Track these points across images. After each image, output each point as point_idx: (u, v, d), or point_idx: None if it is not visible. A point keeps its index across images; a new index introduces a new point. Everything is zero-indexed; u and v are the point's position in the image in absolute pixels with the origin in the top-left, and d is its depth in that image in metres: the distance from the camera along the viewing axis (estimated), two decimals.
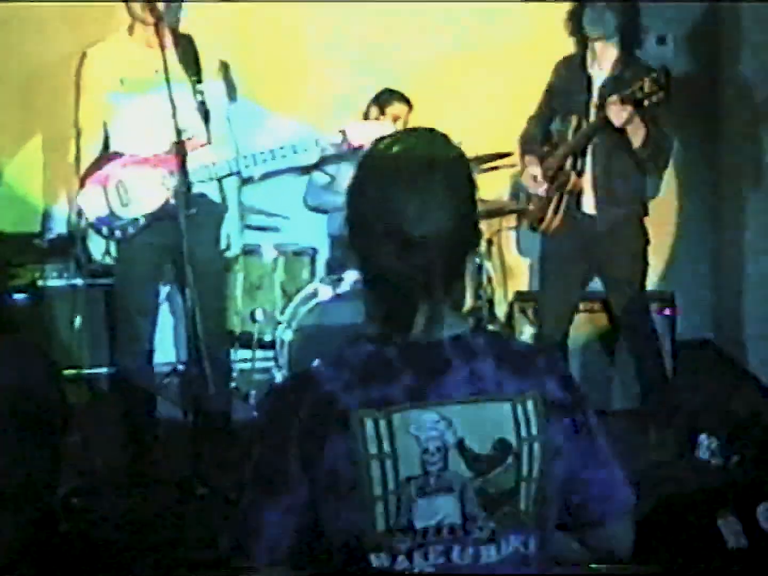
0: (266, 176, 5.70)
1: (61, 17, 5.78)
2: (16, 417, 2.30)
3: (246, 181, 5.15)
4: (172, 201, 4.50)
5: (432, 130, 1.91)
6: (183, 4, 5.29)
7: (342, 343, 1.88)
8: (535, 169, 4.91)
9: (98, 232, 4.63)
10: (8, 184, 5.93)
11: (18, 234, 5.82)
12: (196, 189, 4.51)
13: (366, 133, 4.66)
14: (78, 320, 5.54)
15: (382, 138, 1.90)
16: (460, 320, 1.88)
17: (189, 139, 4.49)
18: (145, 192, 4.57)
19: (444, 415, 1.79)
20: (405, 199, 1.79)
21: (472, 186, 1.88)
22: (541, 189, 4.88)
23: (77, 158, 4.70)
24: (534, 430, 1.82)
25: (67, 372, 5.33)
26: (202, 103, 4.60)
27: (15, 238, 5.78)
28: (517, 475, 1.82)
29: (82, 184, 4.63)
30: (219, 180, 4.70)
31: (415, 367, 1.81)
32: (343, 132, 4.69)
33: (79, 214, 4.65)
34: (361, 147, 4.79)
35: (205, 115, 4.61)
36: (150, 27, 4.47)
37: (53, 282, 5.61)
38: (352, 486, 1.77)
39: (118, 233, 4.60)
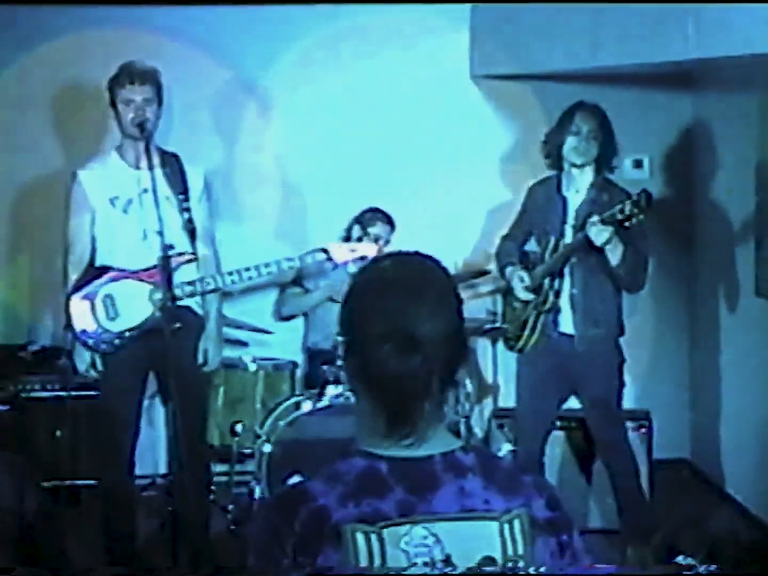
0: (246, 291, 5.80)
1: (54, 134, 5.91)
2: None
3: (226, 294, 5.23)
4: (158, 314, 4.58)
5: (419, 252, 1.99)
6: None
7: (335, 457, 1.91)
8: (522, 274, 5.00)
9: (84, 344, 4.69)
10: None
11: (2, 345, 5.87)
12: (181, 303, 4.59)
13: (349, 252, 4.80)
14: (59, 432, 5.56)
15: (379, 258, 2.01)
16: (450, 436, 1.92)
17: (176, 255, 4.60)
18: (132, 306, 4.65)
19: (432, 531, 1.82)
20: (405, 303, 1.85)
21: (459, 301, 1.95)
22: (530, 294, 4.96)
23: (65, 273, 4.79)
24: (520, 550, 1.85)
25: (47, 483, 5.34)
26: (189, 221, 4.71)
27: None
28: None
29: (69, 298, 4.70)
30: (202, 295, 4.78)
31: (406, 483, 1.84)
32: (324, 250, 4.81)
33: (66, 326, 4.70)
34: (345, 263, 4.92)
35: (191, 232, 4.71)
36: (139, 145, 4.60)
37: (36, 394, 5.63)
38: None
39: (104, 346, 4.66)
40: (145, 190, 4.60)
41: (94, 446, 5.22)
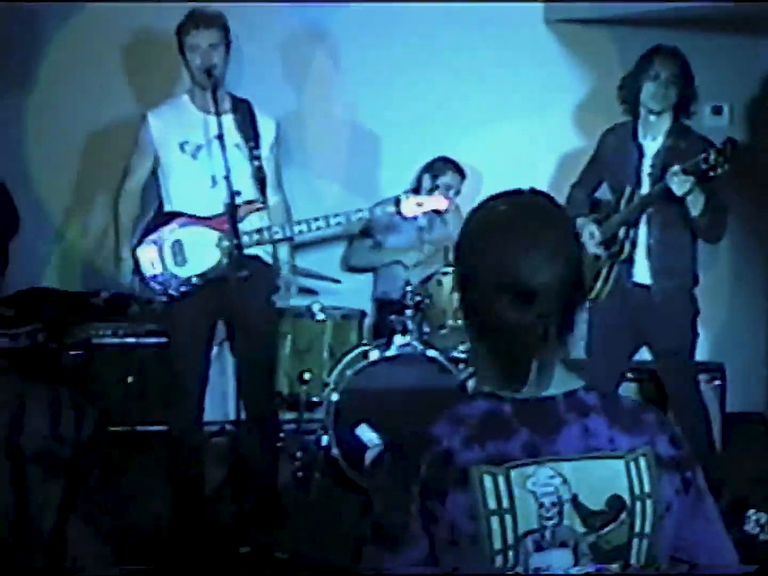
0: (316, 241, 5.78)
1: (125, 81, 5.93)
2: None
3: (297, 245, 5.22)
4: (225, 262, 4.58)
5: (537, 190, 1.95)
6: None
7: (457, 400, 1.92)
8: (593, 228, 4.92)
9: (152, 290, 4.71)
10: (69, 244, 6.05)
11: (75, 293, 5.93)
12: (249, 251, 4.58)
13: (417, 207, 4.75)
14: (130, 378, 5.62)
15: (490, 198, 1.95)
16: (571, 376, 1.91)
17: (245, 202, 4.59)
18: (200, 252, 4.65)
19: (559, 471, 1.83)
20: (520, 251, 1.83)
21: (577, 241, 1.93)
22: (600, 249, 4.89)
23: (115, 206, 4.81)
24: (647, 488, 1.86)
25: (118, 428, 5.41)
26: (259, 168, 4.68)
27: (72, 297, 5.90)
28: (629, 531, 1.85)
29: (138, 243, 4.72)
30: (270, 243, 4.77)
31: (530, 424, 1.85)
32: (397, 201, 4.77)
33: (135, 271, 4.72)
34: (415, 218, 4.89)
35: (261, 181, 4.69)
36: (208, 91, 4.58)
37: (108, 340, 5.69)
38: (473, 540, 1.81)
39: (172, 291, 4.67)
40: (215, 136, 4.58)
41: (163, 393, 5.25)
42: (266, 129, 4.81)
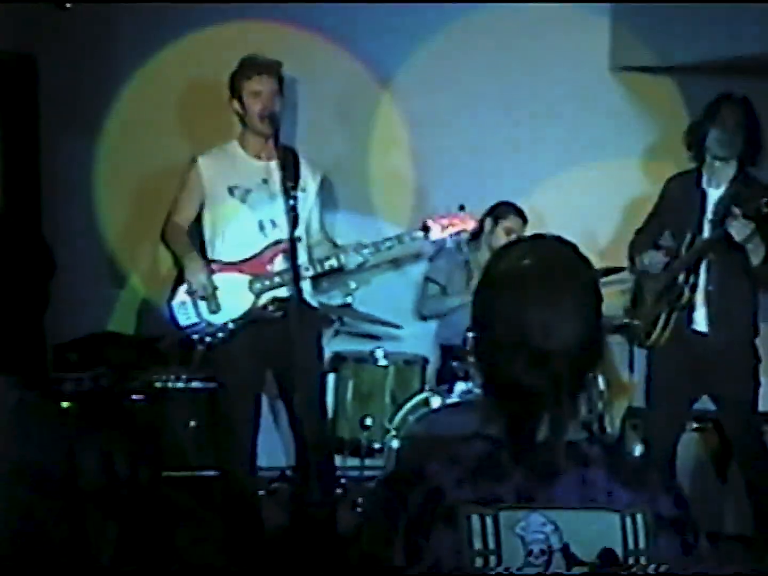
0: (379, 286, 5.79)
1: (177, 124, 6.00)
2: None
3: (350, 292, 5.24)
4: (259, 305, 4.59)
5: (559, 238, 1.91)
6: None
7: (456, 439, 1.90)
8: (655, 253, 4.91)
9: (190, 338, 4.74)
10: (132, 289, 6.11)
11: (139, 337, 5.98)
12: (287, 293, 4.60)
13: (446, 228, 4.73)
14: (193, 422, 5.64)
15: (509, 246, 1.92)
16: (576, 427, 1.88)
17: (275, 242, 4.62)
18: (233, 297, 4.68)
19: (551, 519, 1.79)
20: (536, 311, 1.79)
21: (599, 297, 1.88)
22: (662, 270, 4.84)
23: (164, 239, 4.89)
24: (641, 544, 1.80)
25: (181, 473, 5.44)
26: (293, 209, 4.64)
27: (136, 341, 5.95)
28: None
29: (172, 294, 4.76)
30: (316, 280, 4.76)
31: (526, 469, 1.81)
32: (424, 226, 4.76)
33: (171, 320, 4.75)
34: (443, 240, 4.85)
35: (294, 222, 4.65)
36: (262, 138, 4.63)
37: (170, 384, 5.72)
38: None
39: (209, 339, 4.69)
40: (265, 181, 4.62)
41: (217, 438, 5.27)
42: (311, 179, 4.85)
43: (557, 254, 1.88)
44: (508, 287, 1.84)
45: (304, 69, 5.72)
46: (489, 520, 1.77)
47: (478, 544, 1.77)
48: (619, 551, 1.79)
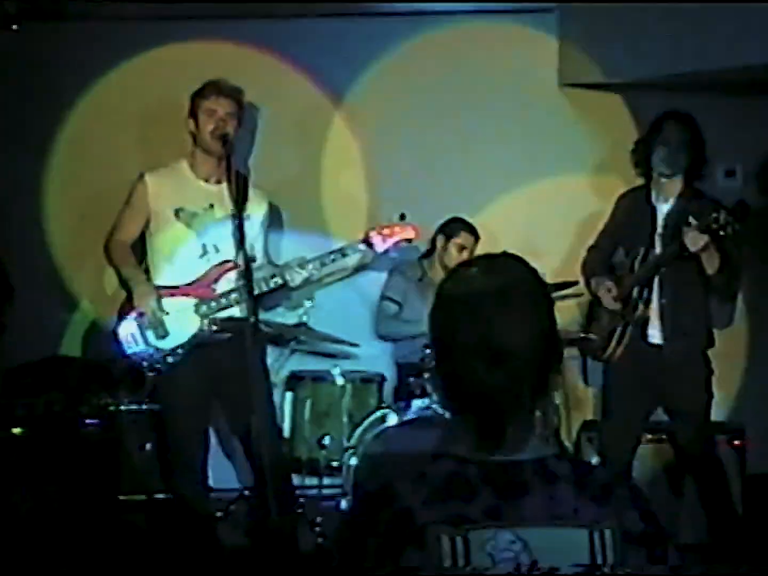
0: (336, 305, 5.79)
1: (130, 144, 5.97)
2: None
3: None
4: (206, 328, 4.58)
5: (508, 253, 1.96)
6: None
7: (424, 459, 1.91)
8: (611, 285, 4.93)
9: (139, 365, 4.71)
10: (84, 312, 6.06)
11: (91, 361, 5.93)
12: (233, 313, 4.60)
13: (388, 237, 4.74)
14: (149, 446, 5.59)
15: (464, 263, 1.97)
16: (542, 443, 1.90)
17: (222, 262, 4.61)
18: (179, 322, 4.66)
19: (520, 536, 1.80)
20: (492, 315, 1.83)
21: (550, 302, 1.93)
22: (617, 305, 4.89)
23: (107, 254, 4.85)
24: (609, 559, 1.81)
25: (136, 496, 5.40)
26: (239, 228, 4.62)
27: (88, 365, 5.89)
28: None
29: (119, 318, 4.73)
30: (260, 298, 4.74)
31: (494, 487, 1.82)
32: (366, 240, 4.76)
33: (117, 348, 4.72)
34: (386, 252, 4.85)
35: (240, 243, 4.64)
36: (213, 161, 4.62)
37: (124, 407, 5.66)
38: None
39: (158, 365, 4.67)
40: (212, 206, 4.62)
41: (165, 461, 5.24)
42: (257, 206, 4.84)
43: (509, 266, 1.93)
44: (463, 304, 1.87)
45: (258, 89, 5.72)
46: (459, 540, 1.78)
47: (448, 565, 1.78)
48: (586, 567, 1.80)
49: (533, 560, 1.79)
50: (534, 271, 1.93)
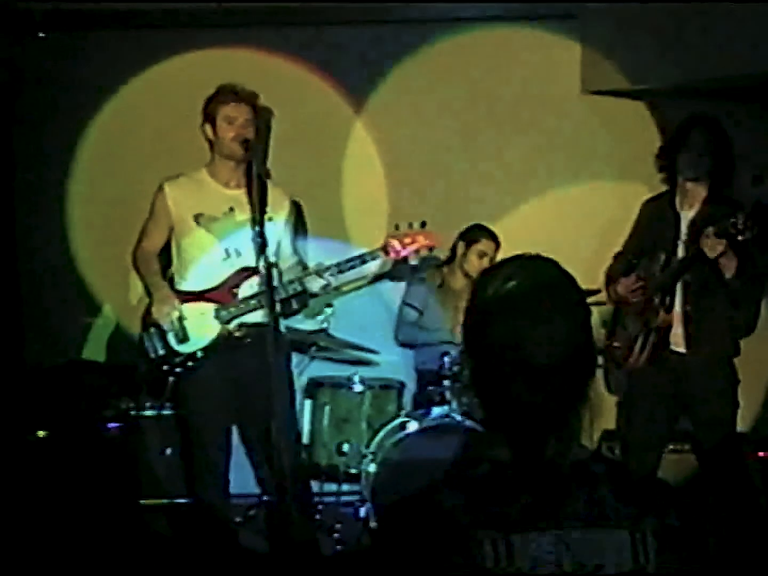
0: (358, 311, 5.78)
1: (152, 151, 5.99)
2: None
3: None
4: (226, 333, 4.59)
5: (540, 256, 1.93)
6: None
7: (461, 462, 1.90)
8: (633, 280, 4.90)
9: (159, 369, 4.72)
10: (107, 317, 6.08)
11: (114, 365, 5.95)
12: (253, 319, 4.58)
13: (407, 245, 4.71)
14: (169, 450, 5.60)
15: (492, 270, 1.93)
16: (581, 446, 1.90)
17: (242, 269, 4.60)
18: (200, 326, 4.66)
19: (562, 538, 1.79)
20: (529, 329, 1.81)
21: (588, 311, 1.90)
22: (638, 297, 4.86)
23: (134, 264, 4.84)
24: (652, 559, 1.82)
25: (157, 501, 5.41)
26: (260, 235, 4.61)
27: (111, 370, 5.92)
28: None
29: (143, 323, 4.73)
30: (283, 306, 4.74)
31: (535, 490, 1.82)
32: (385, 246, 4.73)
33: (143, 352, 4.73)
34: (404, 259, 4.81)
35: (262, 249, 4.63)
36: (232, 165, 4.62)
37: (145, 412, 5.68)
38: None
39: (178, 369, 4.68)
40: (231, 209, 4.62)
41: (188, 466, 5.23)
42: (280, 203, 4.83)
43: (542, 272, 1.89)
44: (499, 309, 1.85)
45: (277, 95, 5.72)
46: (501, 544, 1.78)
47: (490, 566, 1.77)
48: (630, 567, 1.80)
49: (576, 562, 1.79)
50: (568, 274, 1.90)
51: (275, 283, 4.64)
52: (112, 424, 5.61)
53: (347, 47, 6.05)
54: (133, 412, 5.67)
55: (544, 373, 1.80)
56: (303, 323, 5.56)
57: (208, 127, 4.70)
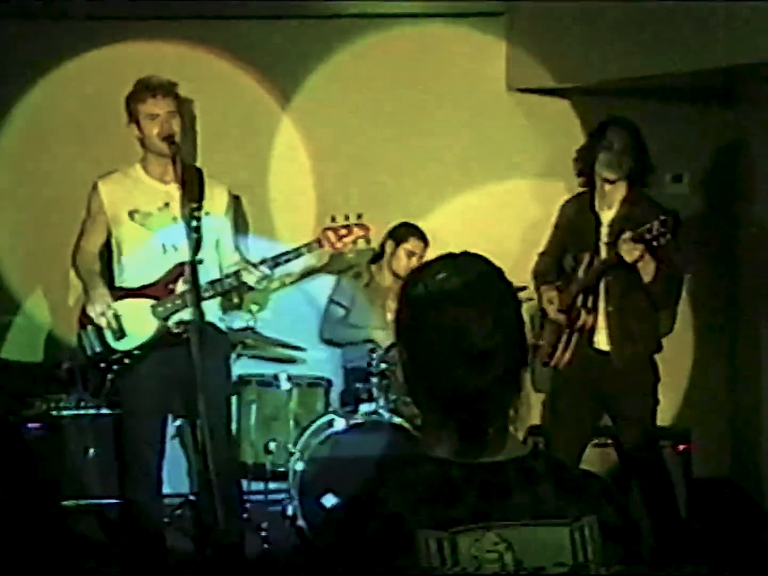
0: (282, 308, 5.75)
1: (77, 145, 5.90)
2: None
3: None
4: (163, 330, 4.56)
5: (467, 252, 1.95)
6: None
7: (400, 463, 1.91)
8: (552, 294, 4.94)
9: (96, 366, 4.67)
10: (27, 315, 5.99)
11: (34, 364, 5.86)
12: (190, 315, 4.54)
13: (341, 237, 4.70)
14: (92, 451, 5.53)
15: (422, 268, 1.95)
16: (519, 442, 1.91)
17: (182, 264, 4.58)
18: (137, 323, 4.62)
19: (504, 537, 1.80)
20: (467, 315, 1.83)
21: (517, 300, 1.93)
22: (561, 315, 4.90)
23: (78, 274, 4.83)
24: (591, 556, 1.83)
25: (78, 502, 5.34)
26: (197, 230, 4.61)
27: (31, 369, 5.83)
28: None
29: (79, 320, 4.69)
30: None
31: (478, 489, 1.83)
32: (321, 239, 4.72)
33: (78, 348, 4.69)
34: (338, 251, 4.80)
35: (197, 242, 4.62)
36: (164, 160, 4.58)
37: (67, 412, 5.59)
38: None
39: (115, 366, 4.63)
40: (167, 204, 4.58)
41: (120, 465, 5.18)
42: (218, 196, 4.79)
43: (471, 265, 1.91)
44: (434, 301, 1.87)
45: (206, 90, 5.69)
46: (446, 544, 1.79)
47: (436, 565, 1.78)
48: (570, 564, 1.82)
49: (518, 560, 1.80)
50: (496, 266, 1.93)
51: (214, 277, 4.64)
52: (32, 425, 5.52)
53: (274, 42, 6.00)
54: (53, 413, 5.58)
55: (485, 358, 1.82)
56: (230, 321, 5.53)
57: (134, 126, 4.66)
